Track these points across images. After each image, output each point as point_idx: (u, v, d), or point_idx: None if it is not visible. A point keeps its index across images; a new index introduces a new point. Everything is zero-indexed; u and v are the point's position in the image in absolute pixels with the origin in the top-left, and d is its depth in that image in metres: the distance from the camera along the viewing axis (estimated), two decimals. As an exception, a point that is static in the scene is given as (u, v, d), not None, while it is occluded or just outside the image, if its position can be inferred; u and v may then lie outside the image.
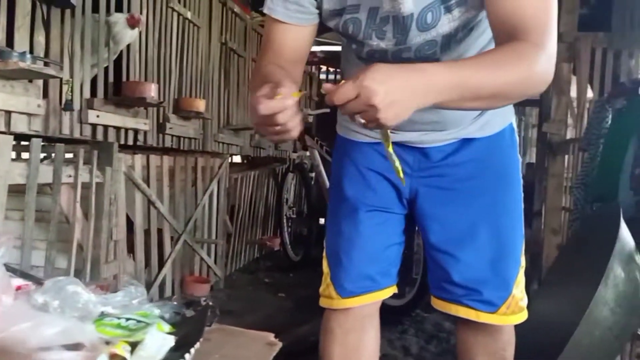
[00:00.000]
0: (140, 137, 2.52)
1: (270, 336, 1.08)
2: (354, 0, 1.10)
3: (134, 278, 2.55)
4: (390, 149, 0.93)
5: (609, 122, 2.51)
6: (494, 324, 1.32)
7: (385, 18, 1.10)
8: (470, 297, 1.30)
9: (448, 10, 1.06)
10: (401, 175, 0.96)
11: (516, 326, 1.37)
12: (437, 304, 1.37)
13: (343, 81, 0.85)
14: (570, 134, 3.54)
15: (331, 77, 6.98)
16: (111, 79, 2.28)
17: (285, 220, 4.45)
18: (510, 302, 1.31)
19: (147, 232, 2.77)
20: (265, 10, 1.15)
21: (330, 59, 8.97)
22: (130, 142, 2.45)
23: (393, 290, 1.42)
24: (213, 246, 3.41)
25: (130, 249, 2.64)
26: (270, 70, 1.07)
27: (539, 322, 2.55)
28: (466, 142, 1.30)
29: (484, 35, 1.18)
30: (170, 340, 0.82)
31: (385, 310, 3.12)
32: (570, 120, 3.49)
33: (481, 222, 1.29)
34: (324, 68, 7.12)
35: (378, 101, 0.82)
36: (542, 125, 3.62)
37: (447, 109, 0.99)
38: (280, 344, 1.05)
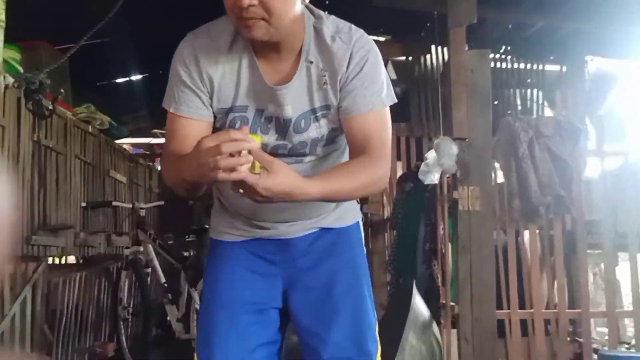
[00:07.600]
0: None
1: None
2: (242, 102, 1.37)
3: None
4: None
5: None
6: None
7: (269, 118, 1.39)
8: None
9: (316, 119, 1.39)
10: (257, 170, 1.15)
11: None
12: None
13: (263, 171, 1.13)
14: (387, 213, 3.85)
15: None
16: None
17: (121, 323, 4.16)
18: None
19: None
20: (171, 109, 1.38)
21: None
22: None
23: None
24: (28, 361, 3.06)
25: None
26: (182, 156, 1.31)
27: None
28: (324, 231, 1.54)
29: (342, 147, 1.52)
30: None
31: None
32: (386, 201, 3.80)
33: (342, 303, 1.47)
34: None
35: (269, 196, 1.15)
36: (362, 207, 3.89)
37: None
38: None
